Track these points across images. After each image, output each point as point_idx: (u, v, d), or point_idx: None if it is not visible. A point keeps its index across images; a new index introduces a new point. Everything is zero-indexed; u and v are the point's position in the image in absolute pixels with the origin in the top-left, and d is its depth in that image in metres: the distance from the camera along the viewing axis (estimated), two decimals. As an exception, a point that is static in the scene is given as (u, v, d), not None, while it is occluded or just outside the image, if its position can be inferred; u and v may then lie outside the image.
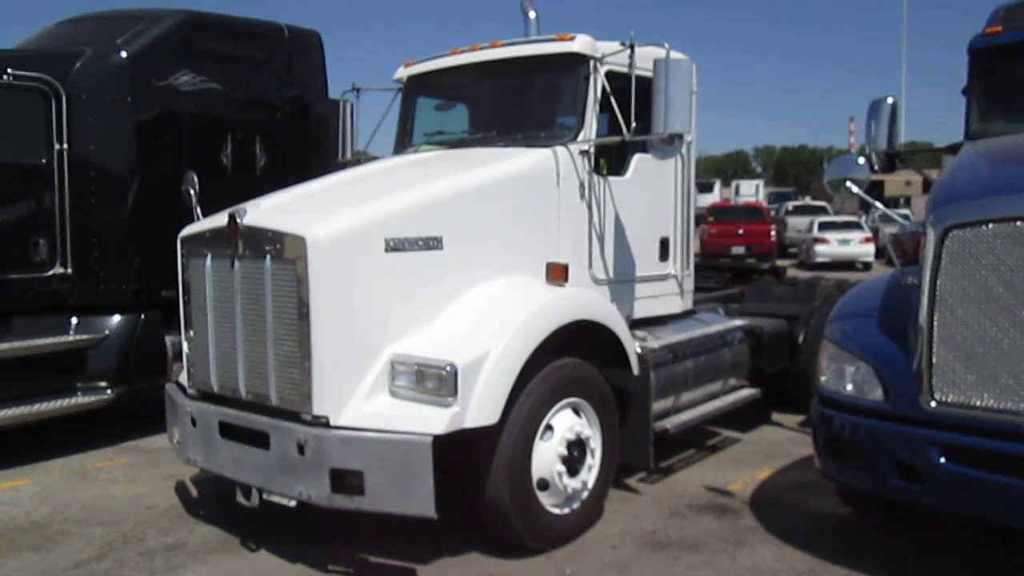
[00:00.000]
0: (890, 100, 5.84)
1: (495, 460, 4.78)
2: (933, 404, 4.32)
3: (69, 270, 7.22)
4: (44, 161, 7.08)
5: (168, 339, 7.46)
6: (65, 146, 7.13)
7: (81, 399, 7.18)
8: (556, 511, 5.15)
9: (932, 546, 5.17)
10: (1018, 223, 4.05)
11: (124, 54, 7.45)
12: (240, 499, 5.04)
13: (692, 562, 4.99)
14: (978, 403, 4.19)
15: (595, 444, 5.37)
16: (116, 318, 7.41)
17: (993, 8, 5.94)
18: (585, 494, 5.31)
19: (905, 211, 35.24)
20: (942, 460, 4.28)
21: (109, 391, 7.28)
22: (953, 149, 5.82)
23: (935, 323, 4.30)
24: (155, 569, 5.00)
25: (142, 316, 7.50)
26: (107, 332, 7.35)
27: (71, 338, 7.23)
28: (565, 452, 5.10)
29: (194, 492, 6.30)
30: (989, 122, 5.65)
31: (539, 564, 4.98)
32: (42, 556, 5.21)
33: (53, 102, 7.07)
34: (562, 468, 5.08)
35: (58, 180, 7.13)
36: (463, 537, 5.17)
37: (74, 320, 7.32)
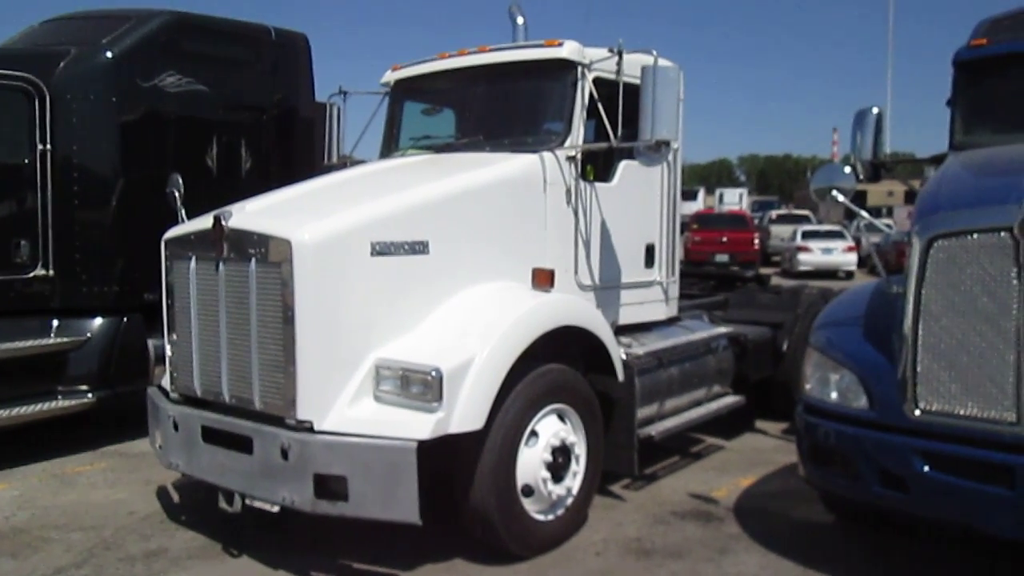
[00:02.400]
0: (875, 110, 5.88)
1: (480, 466, 4.77)
2: (917, 412, 4.35)
3: (51, 272, 7.14)
4: (27, 161, 7.01)
5: (151, 342, 7.39)
6: (48, 146, 7.06)
7: (61, 403, 7.10)
8: (540, 517, 5.13)
9: (915, 554, 5.18)
10: (1002, 234, 4.08)
11: (109, 54, 7.39)
12: (222, 504, 5.00)
13: (676, 569, 4.99)
14: (962, 412, 4.21)
15: (580, 450, 5.37)
16: (98, 321, 7.34)
17: (978, 21, 6.00)
18: (569, 500, 5.30)
19: (887, 220, 35.57)
20: (925, 468, 4.30)
21: (90, 395, 7.20)
22: (937, 160, 5.87)
23: (919, 332, 4.33)
24: (136, 575, 4.95)
25: (124, 319, 7.43)
26: (89, 335, 7.28)
27: (52, 341, 7.15)
28: (550, 458, 5.09)
29: (176, 497, 6.24)
30: (973, 133, 5.70)
31: (523, 571, 4.96)
32: (20, 562, 5.14)
33: (36, 102, 7.00)
34: (547, 474, 5.07)
35: (41, 181, 7.05)
36: (447, 543, 5.15)
37: (55, 322, 7.24)
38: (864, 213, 5.91)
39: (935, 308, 4.29)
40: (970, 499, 4.16)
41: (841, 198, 5.41)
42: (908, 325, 4.36)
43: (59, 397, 7.13)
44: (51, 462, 7.13)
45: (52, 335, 7.20)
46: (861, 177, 5.77)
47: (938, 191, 4.75)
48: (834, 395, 4.81)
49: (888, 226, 14.68)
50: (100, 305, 7.38)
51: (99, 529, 5.64)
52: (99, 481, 6.71)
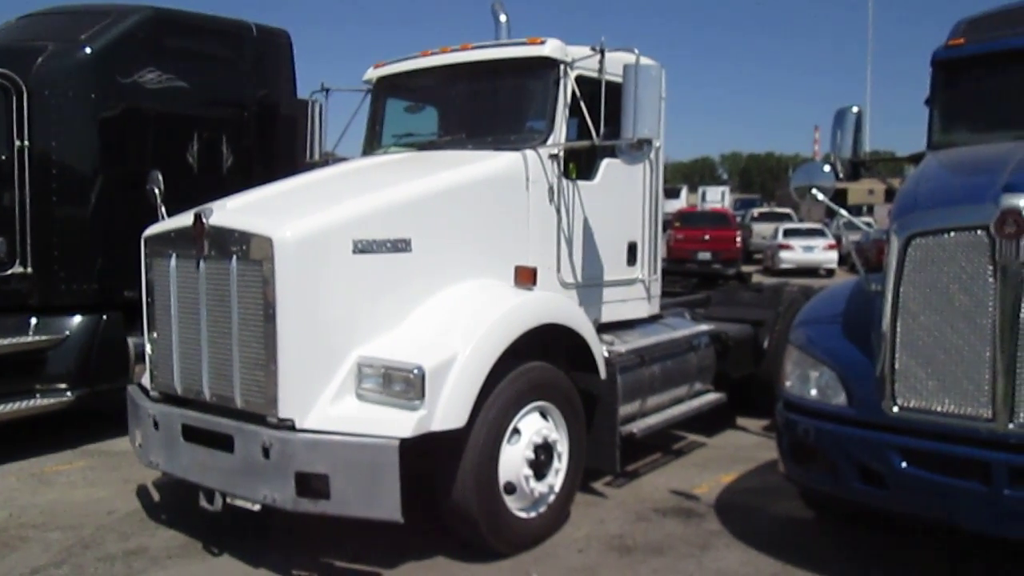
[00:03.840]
0: (855, 109, 5.92)
1: (462, 464, 4.77)
2: (895, 409, 4.39)
3: (29, 269, 7.08)
4: (4, 158, 6.94)
5: (130, 340, 7.34)
6: (26, 143, 6.99)
7: (40, 401, 7.03)
8: (522, 515, 5.14)
9: (894, 550, 5.23)
10: (979, 232, 4.12)
11: (88, 50, 7.33)
12: (203, 503, 4.97)
13: (657, 566, 5.01)
14: (939, 408, 4.26)
15: (562, 448, 5.38)
16: (77, 319, 7.28)
17: (956, 20, 6.05)
18: (552, 498, 5.31)
19: (868, 219, 35.83)
20: (903, 464, 4.34)
21: (69, 393, 7.14)
22: (915, 159, 5.91)
23: (898, 329, 4.37)
24: (115, 575, 4.91)
25: (104, 317, 7.37)
26: (67, 333, 7.22)
27: (30, 339, 7.09)
28: (532, 456, 5.10)
29: (156, 496, 6.20)
30: (951, 132, 5.75)
31: (505, 568, 4.97)
32: (-2, 561, 5.11)
33: (14, 98, 6.93)
34: (529, 472, 5.08)
35: (18, 177, 6.98)
36: (429, 541, 5.15)
37: (33, 320, 7.17)
38: (843, 211, 5.95)
39: (913, 306, 4.33)
40: (947, 495, 4.21)
41: (821, 196, 5.45)
42: (886, 323, 4.40)
43: (38, 396, 7.07)
44: (29, 461, 7.07)
45: (30, 333, 7.13)
46: (841, 175, 5.81)
47: (916, 190, 4.79)
48: (814, 392, 4.84)
49: (868, 224, 14.80)
50: (79, 303, 7.33)
51: (78, 528, 5.60)
52: (78, 480, 6.66)
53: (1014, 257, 4.00)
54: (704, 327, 7.42)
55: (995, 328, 4.07)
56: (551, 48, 6.00)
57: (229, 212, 5.02)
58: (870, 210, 45.41)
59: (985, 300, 4.11)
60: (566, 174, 6.06)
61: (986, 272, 4.10)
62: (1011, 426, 4.05)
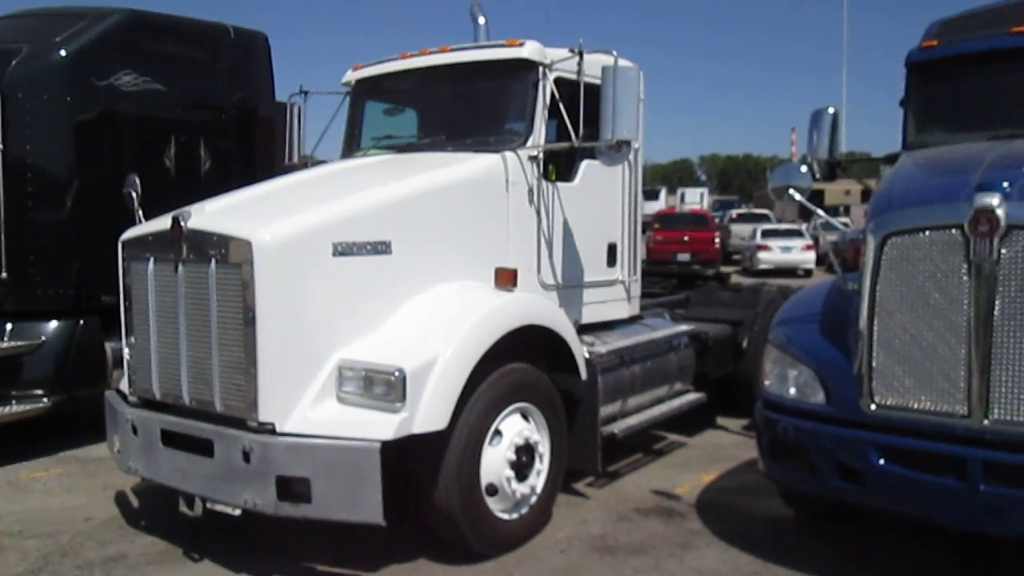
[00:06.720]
0: (831, 110, 5.97)
1: (443, 466, 4.77)
2: (872, 407, 4.43)
3: (3, 275, 6.99)
4: (-23, 162, 6.86)
5: (108, 345, 7.27)
6: (0, 146, 6.91)
7: (16, 408, 6.95)
8: (505, 516, 5.14)
9: (873, 546, 5.29)
10: (953, 231, 4.18)
11: (63, 52, 7.25)
12: (183, 509, 4.94)
13: (639, 565, 5.03)
14: (915, 406, 4.31)
15: (543, 449, 5.39)
16: (53, 324, 7.20)
17: (930, 23, 6.12)
18: (534, 499, 5.32)
19: (844, 219, 36.13)
20: (881, 461, 4.39)
21: (46, 399, 7.07)
22: (891, 159, 5.97)
23: (875, 328, 4.42)
24: (94, 581, 4.88)
25: (81, 322, 7.29)
26: (44, 338, 7.14)
27: (5, 344, 7.00)
28: (514, 457, 5.10)
29: (135, 502, 6.15)
30: (925, 133, 5.82)
31: (487, 570, 4.97)
32: (-26, 570, 5.05)
33: (-13, 101, 6.86)
34: (511, 473, 5.09)
35: (-8, 181, 6.91)
36: (411, 544, 5.14)
37: (8, 326, 7.08)
38: (820, 212, 6.00)
39: (889, 304, 4.38)
40: (924, 491, 4.25)
41: (798, 196, 5.50)
42: (863, 321, 4.45)
43: (14, 402, 6.98)
44: (5, 468, 6.97)
45: (5, 339, 7.05)
46: (817, 176, 5.86)
47: (891, 190, 4.85)
48: (792, 391, 4.88)
49: (845, 224, 14.92)
50: (55, 308, 7.24)
51: (56, 536, 5.54)
52: (55, 487, 6.59)
53: (987, 255, 4.06)
54: (684, 327, 7.46)
55: (970, 326, 4.12)
56: (529, 50, 6.02)
57: (207, 215, 4.99)
58: (846, 210, 45.82)
59: (960, 298, 4.16)
60: (546, 176, 6.07)
61: (961, 270, 4.16)
62: (986, 422, 4.10)
